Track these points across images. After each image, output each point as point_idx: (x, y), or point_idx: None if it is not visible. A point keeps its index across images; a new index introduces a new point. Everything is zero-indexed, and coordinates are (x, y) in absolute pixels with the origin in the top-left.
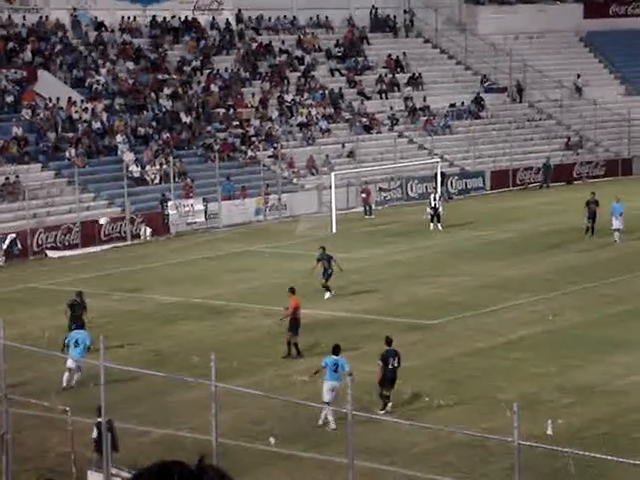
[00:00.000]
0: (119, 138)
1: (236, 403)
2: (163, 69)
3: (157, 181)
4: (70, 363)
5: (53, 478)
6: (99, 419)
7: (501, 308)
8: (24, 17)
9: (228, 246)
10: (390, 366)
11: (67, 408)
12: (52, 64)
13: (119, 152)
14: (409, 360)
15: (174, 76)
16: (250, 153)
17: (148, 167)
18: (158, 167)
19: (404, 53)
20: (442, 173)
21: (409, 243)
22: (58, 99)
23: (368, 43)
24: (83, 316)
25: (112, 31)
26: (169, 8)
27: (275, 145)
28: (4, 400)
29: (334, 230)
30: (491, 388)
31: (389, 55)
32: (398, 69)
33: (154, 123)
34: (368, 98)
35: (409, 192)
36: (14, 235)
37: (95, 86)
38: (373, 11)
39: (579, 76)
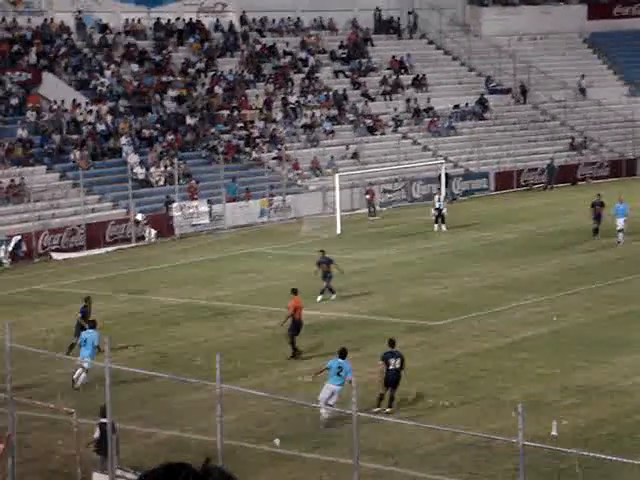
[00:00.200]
0: (124, 140)
1: (241, 404)
2: (167, 71)
3: (162, 183)
4: (85, 363)
5: None
6: (102, 419)
7: (506, 309)
8: (29, 20)
9: (233, 248)
10: (391, 367)
11: (72, 410)
12: (57, 66)
13: (124, 154)
14: (414, 361)
15: (178, 78)
16: (254, 155)
17: (153, 169)
18: (163, 169)
19: (408, 54)
20: (446, 174)
21: (413, 244)
22: (63, 101)
23: (372, 44)
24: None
25: (117, 33)
26: (173, 10)
27: (279, 147)
28: (10, 402)
29: (338, 231)
30: (496, 389)
31: (393, 56)
32: (402, 70)
33: (158, 125)
34: (372, 99)
35: (413, 193)
36: (19, 237)
37: (100, 88)
38: (377, 13)
39: (583, 77)
